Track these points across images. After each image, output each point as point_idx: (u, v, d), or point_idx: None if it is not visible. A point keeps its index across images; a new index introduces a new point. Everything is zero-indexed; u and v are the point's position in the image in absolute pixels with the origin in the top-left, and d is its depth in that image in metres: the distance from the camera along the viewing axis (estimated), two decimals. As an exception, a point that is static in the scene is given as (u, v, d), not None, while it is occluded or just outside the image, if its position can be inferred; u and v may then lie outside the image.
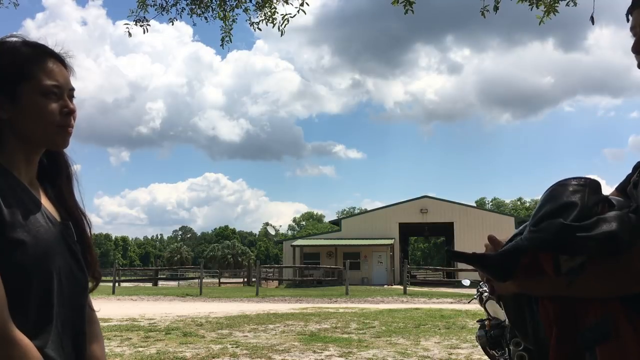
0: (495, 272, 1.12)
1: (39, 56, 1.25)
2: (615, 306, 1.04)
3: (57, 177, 1.34)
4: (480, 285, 3.44)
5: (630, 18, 1.23)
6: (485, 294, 3.26)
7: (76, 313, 1.25)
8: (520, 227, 1.23)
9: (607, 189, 1.37)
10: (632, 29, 1.22)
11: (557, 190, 1.11)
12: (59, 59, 1.29)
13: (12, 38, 1.27)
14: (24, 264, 1.12)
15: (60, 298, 1.19)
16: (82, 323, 1.27)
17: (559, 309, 1.10)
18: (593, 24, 4.95)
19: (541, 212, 1.08)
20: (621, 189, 1.30)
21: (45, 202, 1.26)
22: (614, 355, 1.02)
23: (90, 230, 1.36)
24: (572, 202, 1.07)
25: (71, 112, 1.26)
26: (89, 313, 1.34)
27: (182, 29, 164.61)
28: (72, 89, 1.30)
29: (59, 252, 1.21)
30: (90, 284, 1.34)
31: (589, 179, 1.13)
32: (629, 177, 1.26)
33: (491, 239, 1.22)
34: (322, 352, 8.30)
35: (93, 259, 1.34)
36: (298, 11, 6.04)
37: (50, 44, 1.29)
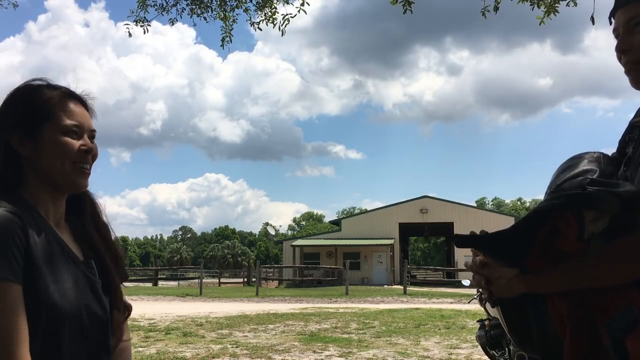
0: (511, 251, 1.05)
1: (61, 97, 1.28)
2: (635, 294, 1.01)
3: (82, 214, 1.35)
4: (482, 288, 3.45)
5: (613, 20, 1.22)
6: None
7: (96, 349, 1.25)
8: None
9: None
10: (614, 30, 1.22)
11: (572, 161, 1.10)
12: (81, 101, 1.32)
13: (36, 81, 1.30)
14: (55, 325, 1.14)
15: (77, 336, 1.20)
16: (103, 357, 1.27)
17: (571, 305, 1.07)
18: (593, 24, 4.97)
19: (559, 180, 1.05)
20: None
21: (68, 240, 1.28)
22: None
23: (118, 265, 1.37)
24: (590, 168, 1.05)
25: (90, 151, 1.28)
26: (120, 345, 1.35)
27: (185, 32, 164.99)
28: (93, 131, 1.32)
29: (80, 291, 1.22)
30: (120, 316, 1.35)
31: (603, 152, 1.13)
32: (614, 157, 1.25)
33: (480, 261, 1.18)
34: (322, 352, 8.30)
35: (118, 295, 1.34)
36: (299, 11, 6.05)
37: (73, 88, 1.32)
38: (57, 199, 1.28)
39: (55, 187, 1.26)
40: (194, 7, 6.15)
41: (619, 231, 1.00)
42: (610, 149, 1.33)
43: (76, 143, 1.25)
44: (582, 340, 1.06)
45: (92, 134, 1.31)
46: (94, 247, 1.33)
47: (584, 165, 1.07)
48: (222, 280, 45.19)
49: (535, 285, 1.08)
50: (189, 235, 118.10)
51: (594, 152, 1.12)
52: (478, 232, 1.16)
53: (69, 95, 1.30)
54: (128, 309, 1.38)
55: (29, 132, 1.23)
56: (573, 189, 0.98)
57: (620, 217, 0.98)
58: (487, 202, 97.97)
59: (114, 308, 1.32)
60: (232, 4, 6.24)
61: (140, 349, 8.53)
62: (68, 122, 1.25)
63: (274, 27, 6.17)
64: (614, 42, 1.21)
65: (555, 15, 5.61)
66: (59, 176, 1.25)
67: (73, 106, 1.28)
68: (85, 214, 1.36)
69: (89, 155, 1.28)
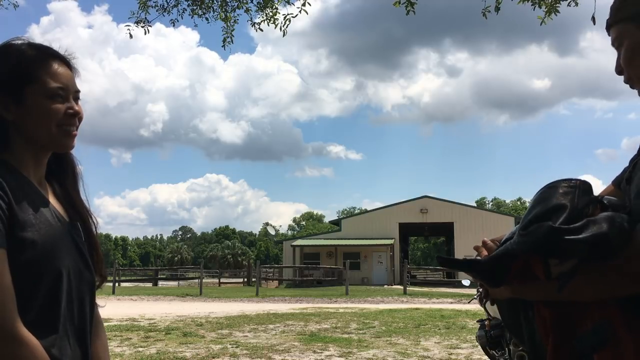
0: (487, 278, 1.10)
1: (44, 58, 1.25)
2: (612, 311, 1.02)
3: (64, 177, 1.35)
4: (479, 286, 3.47)
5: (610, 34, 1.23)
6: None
7: (83, 312, 1.26)
8: (513, 229, 1.21)
9: (603, 188, 1.37)
10: (612, 44, 1.23)
11: (547, 192, 1.08)
12: (64, 61, 1.29)
13: (18, 41, 1.27)
14: (34, 263, 1.13)
15: (69, 297, 1.20)
16: (88, 322, 1.29)
17: (554, 315, 1.08)
18: (594, 24, 4.98)
19: (530, 215, 1.05)
20: (617, 183, 1.28)
21: (53, 201, 1.27)
22: None
23: (96, 230, 1.38)
24: (561, 204, 1.04)
25: (76, 114, 1.27)
26: (94, 311, 1.35)
27: (188, 34, 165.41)
28: (78, 91, 1.30)
29: (67, 251, 1.22)
30: (96, 282, 1.35)
31: (580, 180, 1.11)
32: (625, 170, 1.23)
33: (485, 243, 1.21)
34: (322, 352, 8.30)
35: (99, 258, 1.35)
36: (300, 11, 6.05)
37: (55, 47, 1.29)
38: (40, 159, 1.26)
39: (40, 148, 1.25)
40: (195, 7, 6.15)
41: (591, 264, 1.00)
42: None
43: (62, 107, 1.23)
44: (563, 350, 1.08)
45: (76, 95, 1.29)
46: (76, 208, 1.33)
47: (556, 199, 1.05)
48: (222, 280, 45.19)
49: (519, 292, 1.10)
50: (189, 235, 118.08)
51: (571, 180, 1.10)
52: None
53: (52, 55, 1.26)
54: (104, 277, 1.38)
55: (13, 95, 1.20)
56: (537, 236, 0.99)
57: (591, 256, 0.99)
58: (487, 202, 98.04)
59: (96, 272, 1.32)
60: (233, 4, 6.25)
61: (140, 349, 8.53)
62: (53, 85, 1.22)
63: (275, 27, 6.18)
64: (611, 46, 1.23)
65: (557, 15, 5.62)
66: (45, 139, 1.23)
67: (57, 67, 1.25)
68: (67, 175, 1.36)
69: (75, 118, 1.26)
